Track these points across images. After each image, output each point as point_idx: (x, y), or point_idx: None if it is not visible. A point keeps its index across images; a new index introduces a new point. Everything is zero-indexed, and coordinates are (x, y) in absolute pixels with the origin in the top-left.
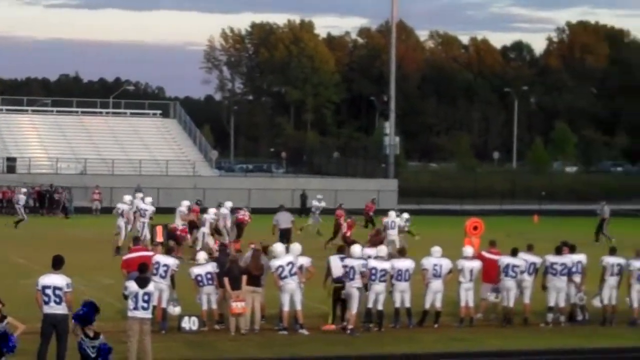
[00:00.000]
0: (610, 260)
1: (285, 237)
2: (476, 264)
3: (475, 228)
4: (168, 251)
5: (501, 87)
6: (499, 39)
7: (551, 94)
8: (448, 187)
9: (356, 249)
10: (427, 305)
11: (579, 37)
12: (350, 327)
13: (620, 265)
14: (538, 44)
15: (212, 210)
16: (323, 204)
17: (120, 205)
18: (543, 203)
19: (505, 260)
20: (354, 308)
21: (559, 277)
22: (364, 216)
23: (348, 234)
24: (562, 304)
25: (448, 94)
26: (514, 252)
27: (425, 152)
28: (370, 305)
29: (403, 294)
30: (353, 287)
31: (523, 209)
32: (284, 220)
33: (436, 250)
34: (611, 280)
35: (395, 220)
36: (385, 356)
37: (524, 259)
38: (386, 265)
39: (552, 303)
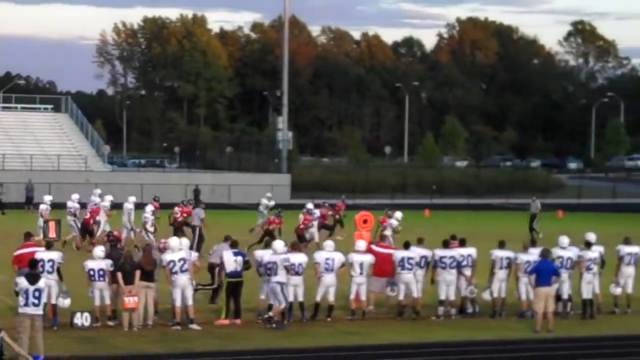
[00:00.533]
0: (499, 253)
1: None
2: (366, 258)
3: (365, 222)
4: (48, 246)
5: (392, 82)
6: (390, 35)
7: (441, 90)
8: (340, 182)
9: (278, 244)
10: (319, 299)
11: (469, 33)
12: (275, 319)
13: (509, 258)
14: (428, 40)
15: (108, 198)
16: (272, 203)
17: (70, 204)
18: (434, 197)
19: (400, 254)
20: (281, 301)
21: (448, 271)
22: (333, 215)
23: (302, 227)
24: (452, 297)
25: (340, 89)
26: (407, 246)
27: (317, 147)
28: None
29: (296, 288)
30: (274, 282)
31: (414, 203)
32: (195, 217)
33: (328, 244)
34: (500, 274)
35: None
36: (279, 350)
37: (416, 252)
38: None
39: (442, 296)
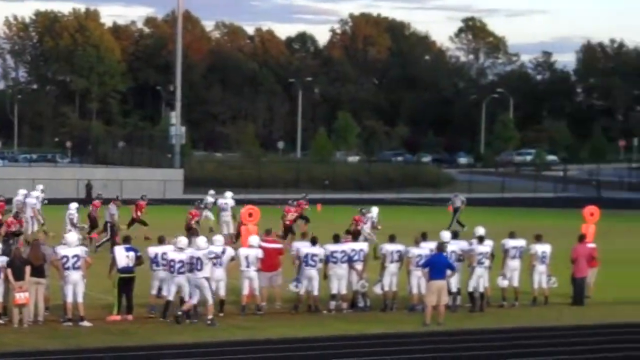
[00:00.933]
0: (389, 247)
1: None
2: (252, 252)
3: (250, 215)
4: None
5: (285, 77)
6: (284, 30)
7: (334, 85)
8: (233, 177)
9: (201, 240)
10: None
11: (362, 29)
12: (209, 317)
13: (399, 252)
14: (321, 36)
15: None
16: (213, 200)
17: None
18: (326, 192)
19: (305, 250)
20: (208, 298)
21: (339, 265)
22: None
23: (288, 222)
24: (343, 291)
25: (233, 84)
26: (313, 242)
27: (210, 142)
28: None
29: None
30: (201, 278)
31: (307, 197)
32: (106, 213)
33: (217, 239)
34: (391, 267)
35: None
36: (167, 345)
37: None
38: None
39: (334, 290)
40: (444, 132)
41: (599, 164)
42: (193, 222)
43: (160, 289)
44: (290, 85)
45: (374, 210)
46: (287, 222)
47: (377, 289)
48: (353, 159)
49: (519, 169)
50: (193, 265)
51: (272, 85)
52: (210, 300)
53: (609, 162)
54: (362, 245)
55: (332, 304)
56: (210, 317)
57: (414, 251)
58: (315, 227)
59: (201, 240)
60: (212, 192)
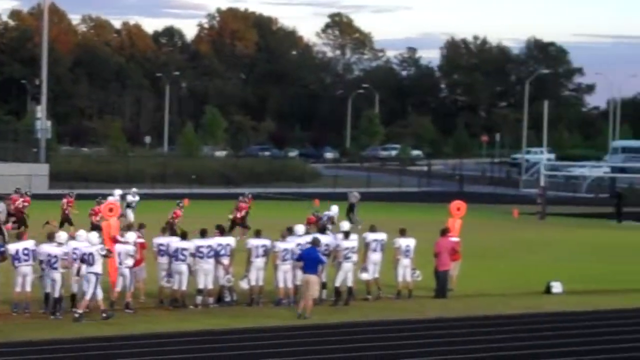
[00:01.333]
0: (255, 242)
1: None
2: (123, 248)
3: (110, 210)
4: None
5: (153, 72)
6: (151, 25)
7: (202, 80)
8: (100, 171)
9: (92, 235)
10: (75, 290)
11: (229, 23)
12: (79, 311)
13: (265, 246)
14: (189, 30)
15: None
16: (137, 198)
17: None
18: (193, 187)
19: (175, 244)
20: (98, 294)
21: (205, 260)
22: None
23: (239, 215)
24: (210, 285)
25: (100, 78)
26: (184, 236)
27: (77, 136)
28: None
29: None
30: (91, 273)
31: (174, 192)
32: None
33: (78, 234)
34: (257, 262)
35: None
36: (24, 343)
37: (193, 244)
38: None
39: (201, 285)
40: (311, 127)
41: (462, 159)
42: (177, 221)
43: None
44: (157, 79)
45: (334, 209)
46: (237, 217)
47: (244, 284)
48: (220, 153)
49: (384, 163)
50: (71, 260)
51: (139, 80)
52: (88, 297)
53: (471, 157)
54: (228, 240)
55: (199, 298)
56: (80, 311)
57: (280, 246)
58: (185, 222)
59: (93, 235)
60: (134, 189)
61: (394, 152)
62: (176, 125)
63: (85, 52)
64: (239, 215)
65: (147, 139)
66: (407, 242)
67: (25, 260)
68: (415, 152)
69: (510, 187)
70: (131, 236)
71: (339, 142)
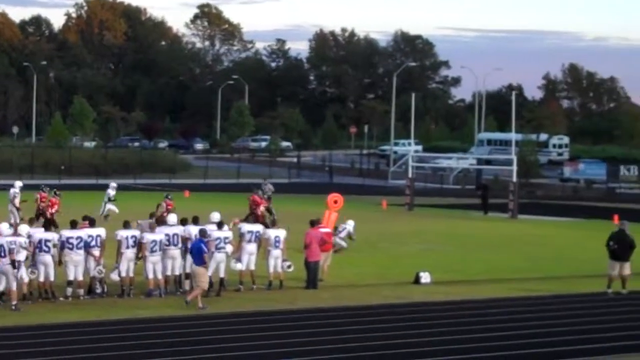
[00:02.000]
0: (124, 233)
1: None
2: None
3: None
4: None
5: (20, 61)
6: (17, 13)
7: (70, 69)
8: None
9: (4, 226)
10: None
11: (97, 13)
12: (13, 303)
13: (134, 237)
14: (57, 19)
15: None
16: (114, 192)
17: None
18: (62, 177)
19: (39, 235)
20: (12, 285)
21: (75, 251)
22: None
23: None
24: (80, 277)
25: None
26: (46, 227)
27: None
28: None
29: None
30: (6, 265)
31: (42, 183)
32: None
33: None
34: (128, 253)
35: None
36: None
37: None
38: None
39: (71, 277)
40: (180, 118)
41: (331, 150)
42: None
43: None
44: (24, 68)
45: (350, 224)
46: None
47: (114, 276)
48: (89, 144)
49: (254, 155)
50: None
51: (6, 69)
52: (13, 287)
53: (340, 148)
54: (99, 231)
55: (69, 290)
56: (14, 302)
57: (149, 237)
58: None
59: (4, 226)
60: (113, 184)
61: (263, 144)
62: (44, 116)
63: None
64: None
65: (15, 129)
66: (276, 233)
67: None
68: (285, 144)
69: (379, 179)
70: (24, 229)
71: (209, 133)
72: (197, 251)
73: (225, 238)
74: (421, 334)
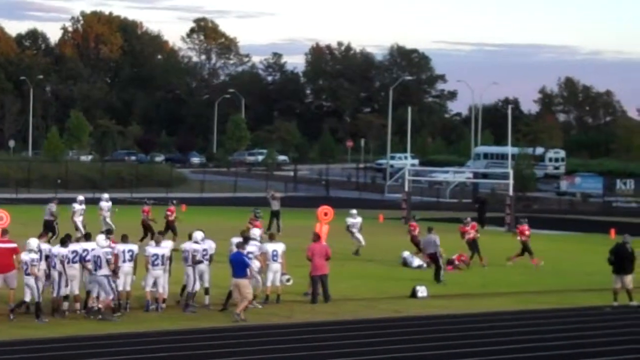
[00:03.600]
0: (121, 247)
1: None
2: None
3: None
4: None
5: (16, 75)
6: (14, 27)
7: (66, 83)
8: None
9: (99, 238)
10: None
11: (94, 27)
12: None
13: (131, 251)
14: (53, 33)
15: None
16: (110, 204)
17: None
18: (59, 191)
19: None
20: (109, 295)
21: (71, 265)
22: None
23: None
24: (76, 291)
25: None
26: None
27: None
28: None
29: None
30: (100, 276)
31: (39, 197)
32: None
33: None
34: (125, 267)
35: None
36: None
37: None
38: None
39: (67, 291)
40: (177, 132)
41: (327, 164)
42: (171, 218)
43: None
44: (21, 82)
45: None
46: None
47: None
48: (86, 158)
49: (251, 168)
50: None
51: (2, 83)
52: (109, 296)
53: (337, 162)
54: (93, 245)
55: (65, 304)
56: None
57: (151, 250)
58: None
59: (100, 237)
60: (105, 195)
61: (260, 157)
62: (41, 130)
63: None
64: (170, 218)
65: (11, 143)
66: (274, 247)
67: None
68: (282, 157)
69: (375, 192)
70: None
71: (205, 147)
72: (240, 263)
73: (249, 253)
74: (418, 347)
